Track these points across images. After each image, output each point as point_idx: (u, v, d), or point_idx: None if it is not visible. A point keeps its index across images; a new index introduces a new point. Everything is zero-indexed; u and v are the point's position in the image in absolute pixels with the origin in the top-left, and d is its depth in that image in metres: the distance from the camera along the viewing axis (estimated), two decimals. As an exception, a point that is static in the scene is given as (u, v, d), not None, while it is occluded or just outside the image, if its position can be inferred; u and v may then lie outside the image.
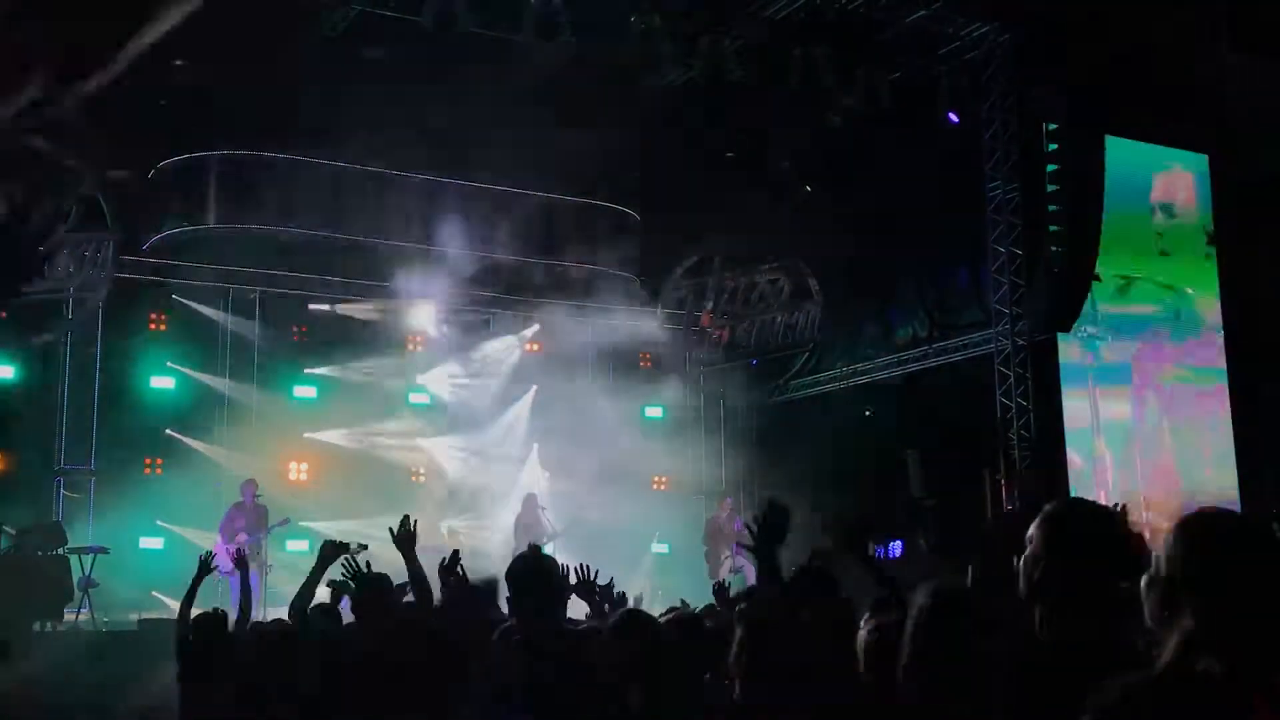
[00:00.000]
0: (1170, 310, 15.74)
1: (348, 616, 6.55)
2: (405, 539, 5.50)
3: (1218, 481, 15.06)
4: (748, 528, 4.07)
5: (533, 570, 4.29)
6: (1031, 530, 2.79)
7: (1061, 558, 2.71)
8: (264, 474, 15.64)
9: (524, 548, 11.73)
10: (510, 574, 4.27)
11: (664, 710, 3.55)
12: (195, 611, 7.44)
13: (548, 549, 11.16)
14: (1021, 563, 2.77)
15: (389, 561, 5.85)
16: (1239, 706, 1.93)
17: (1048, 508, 2.80)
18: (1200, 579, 2.05)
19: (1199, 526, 2.14)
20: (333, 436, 16.62)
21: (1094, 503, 2.91)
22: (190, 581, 7.56)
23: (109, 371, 15.55)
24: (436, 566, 5.58)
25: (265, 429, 16.20)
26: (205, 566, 7.64)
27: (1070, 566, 2.70)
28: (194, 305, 16.29)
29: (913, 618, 2.93)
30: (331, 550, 6.29)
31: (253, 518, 14.38)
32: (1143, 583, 2.18)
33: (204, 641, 7.22)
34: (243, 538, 14.07)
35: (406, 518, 5.55)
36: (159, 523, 15.10)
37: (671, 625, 3.97)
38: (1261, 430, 15.24)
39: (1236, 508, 13.91)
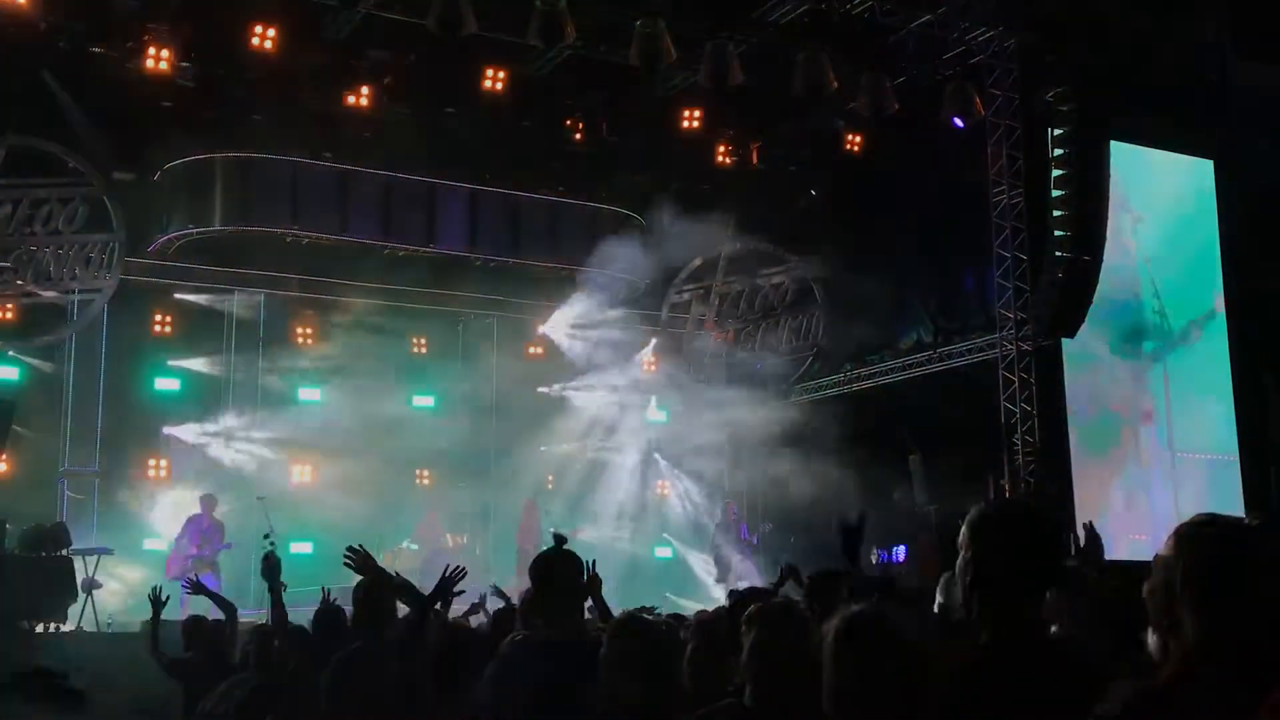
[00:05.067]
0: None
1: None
2: (363, 563, 5.34)
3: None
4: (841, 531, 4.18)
5: (555, 570, 4.21)
6: (962, 533, 2.80)
7: (988, 560, 2.73)
8: (268, 476, 15.69)
9: (528, 553, 11.69)
10: (535, 570, 4.20)
11: (664, 710, 3.56)
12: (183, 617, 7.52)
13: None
14: (958, 565, 2.79)
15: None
16: (1242, 715, 1.92)
17: (973, 511, 2.80)
18: (1201, 587, 2.05)
19: (1197, 535, 2.13)
20: (337, 438, 16.62)
21: (1022, 504, 2.91)
22: (151, 621, 7.68)
23: (113, 373, 15.57)
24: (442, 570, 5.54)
25: (269, 431, 16.22)
26: (158, 602, 7.72)
27: (996, 569, 2.71)
28: (199, 307, 16.32)
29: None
30: (273, 565, 6.12)
31: (207, 534, 14.26)
32: (1144, 591, 2.18)
33: (203, 645, 7.24)
34: (193, 551, 14.02)
35: (350, 549, 5.36)
36: (159, 523, 15.11)
37: (672, 627, 3.97)
38: (1265, 431, 15.25)
39: (1240, 510, 13.91)
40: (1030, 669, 2.63)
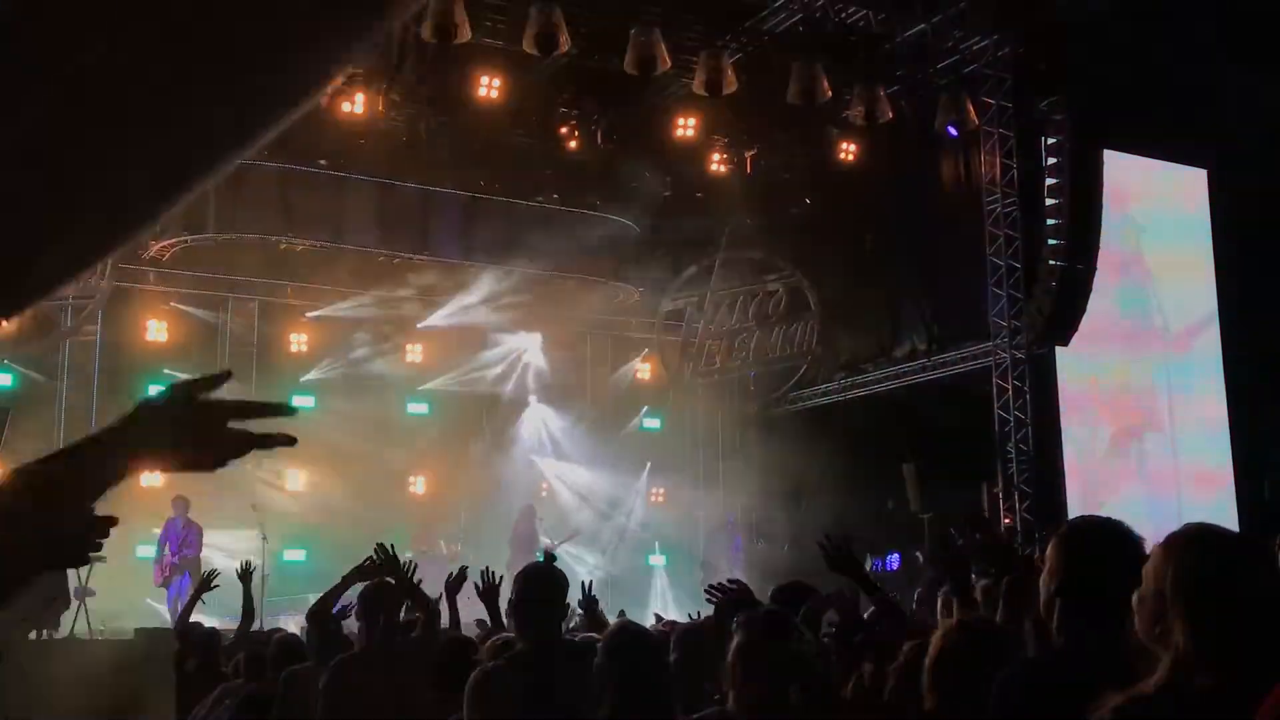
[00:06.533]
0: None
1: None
2: (390, 565, 5.43)
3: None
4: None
5: (542, 581, 4.27)
6: (1050, 545, 2.92)
7: (1076, 571, 2.81)
8: (261, 483, 15.65)
9: (520, 560, 11.73)
10: (517, 581, 4.26)
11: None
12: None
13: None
14: (1041, 576, 2.90)
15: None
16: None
17: (1065, 524, 2.94)
18: (1189, 595, 2.06)
19: (1186, 543, 2.15)
20: (331, 446, 16.59)
21: (1108, 519, 2.98)
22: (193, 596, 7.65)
23: (107, 380, 15.54)
24: (437, 582, 5.59)
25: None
26: (207, 583, 7.70)
27: (1084, 580, 2.80)
28: (192, 314, 16.30)
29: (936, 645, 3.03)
30: (382, 558, 5.80)
31: (182, 537, 14.18)
32: (1134, 599, 2.20)
33: (200, 653, 7.22)
34: (169, 558, 13.97)
35: (381, 546, 5.45)
36: (156, 531, 15.07)
37: (663, 636, 3.98)
38: (1258, 439, 15.27)
39: (1233, 519, 13.93)
40: (1108, 675, 2.67)
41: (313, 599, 6.78)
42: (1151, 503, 14.93)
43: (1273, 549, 3.95)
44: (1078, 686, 2.67)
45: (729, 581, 4.75)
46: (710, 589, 4.82)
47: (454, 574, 5.63)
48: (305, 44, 0.93)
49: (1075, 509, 14.07)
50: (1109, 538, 2.89)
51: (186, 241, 15.76)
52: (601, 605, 6.90)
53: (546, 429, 18.20)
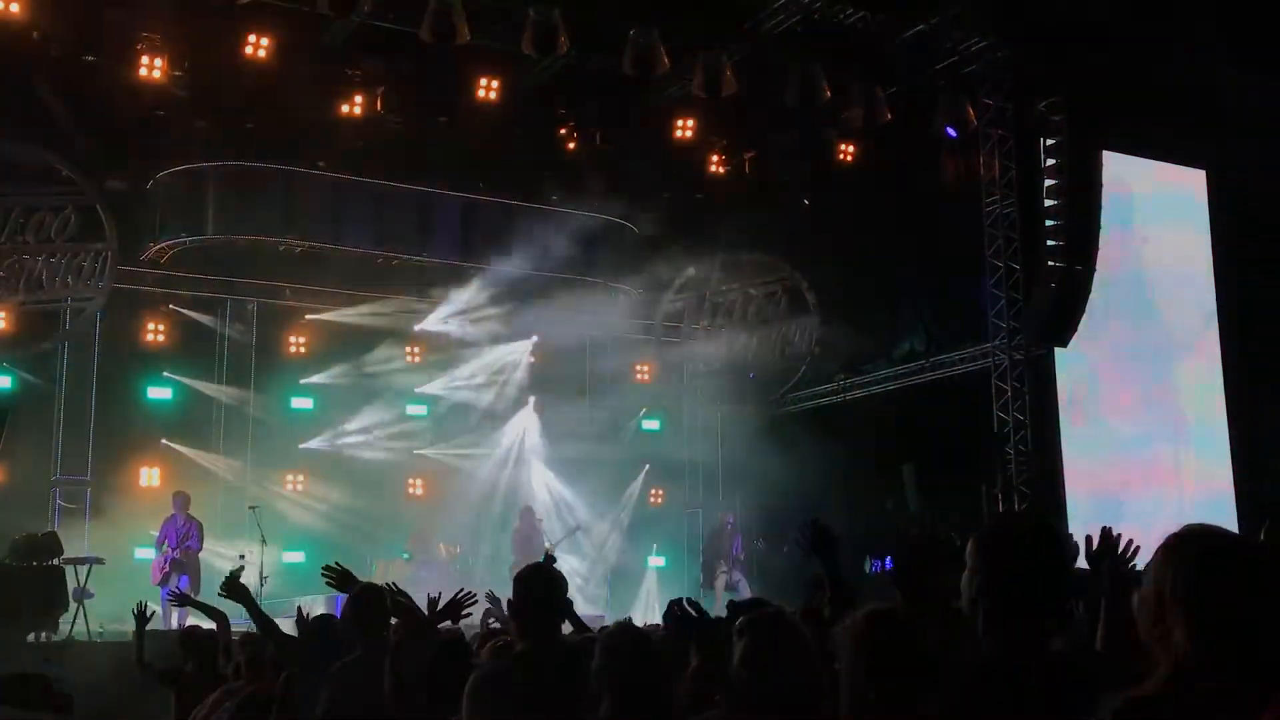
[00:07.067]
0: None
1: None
2: (342, 580, 5.46)
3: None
4: (797, 542, 4.22)
5: (542, 583, 4.28)
6: (969, 548, 2.88)
7: (995, 574, 2.79)
8: (260, 485, 15.65)
9: (523, 562, 11.74)
10: (518, 583, 4.26)
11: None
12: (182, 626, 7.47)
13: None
14: (963, 579, 2.86)
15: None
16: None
17: (984, 527, 2.90)
18: (1189, 597, 2.06)
19: (1186, 544, 2.14)
20: (329, 449, 16.59)
21: (1029, 520, 2.98)
22: (136, 635, 7.65)
23: (106, 382, 15.53)
24: (436, 583, 5.57)
25: (262, 440, 16.20)
26: (142, 617, 7.68)
27: (1003, 582, 2.78)
28: (191, 316, 16.29)
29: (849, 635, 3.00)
30: (235, 584, 6.24)
31: (182, 533, 14.12)
32: (1134, 601, 2.20)
33: (198, 655, 7.22)
34: (170, 554, 13.95)
35: (326, 566, 5.52)
36: (155, 534, 15.07)
37: (661, 637, 3.98)
38: (1257, 442, 15.27)
39: (1233, 521, 13.92)
40: (1033, 683, 2.65)
41: (313, 600, 6.79)
42: (1151, 503, 14.92)
43: (1271, 547, 3.94)
44: (1004, 692, 2.67)
45: (688, 602, 4.44)
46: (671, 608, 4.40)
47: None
48: None
49: (1074, 510, 14.09)
50: (1028, 538, 2.86)
51: (185, 243, 15.76)
52: (595, 607, 6.88)
53: (545, 430, 18.16)
